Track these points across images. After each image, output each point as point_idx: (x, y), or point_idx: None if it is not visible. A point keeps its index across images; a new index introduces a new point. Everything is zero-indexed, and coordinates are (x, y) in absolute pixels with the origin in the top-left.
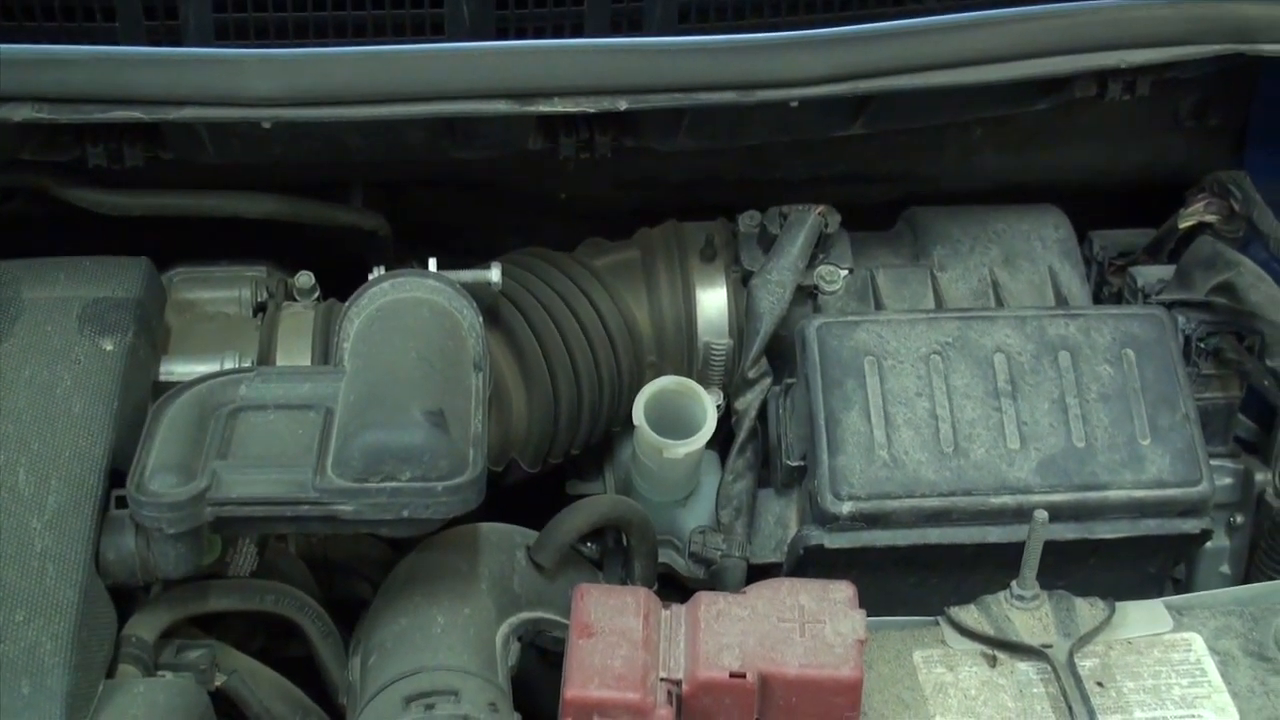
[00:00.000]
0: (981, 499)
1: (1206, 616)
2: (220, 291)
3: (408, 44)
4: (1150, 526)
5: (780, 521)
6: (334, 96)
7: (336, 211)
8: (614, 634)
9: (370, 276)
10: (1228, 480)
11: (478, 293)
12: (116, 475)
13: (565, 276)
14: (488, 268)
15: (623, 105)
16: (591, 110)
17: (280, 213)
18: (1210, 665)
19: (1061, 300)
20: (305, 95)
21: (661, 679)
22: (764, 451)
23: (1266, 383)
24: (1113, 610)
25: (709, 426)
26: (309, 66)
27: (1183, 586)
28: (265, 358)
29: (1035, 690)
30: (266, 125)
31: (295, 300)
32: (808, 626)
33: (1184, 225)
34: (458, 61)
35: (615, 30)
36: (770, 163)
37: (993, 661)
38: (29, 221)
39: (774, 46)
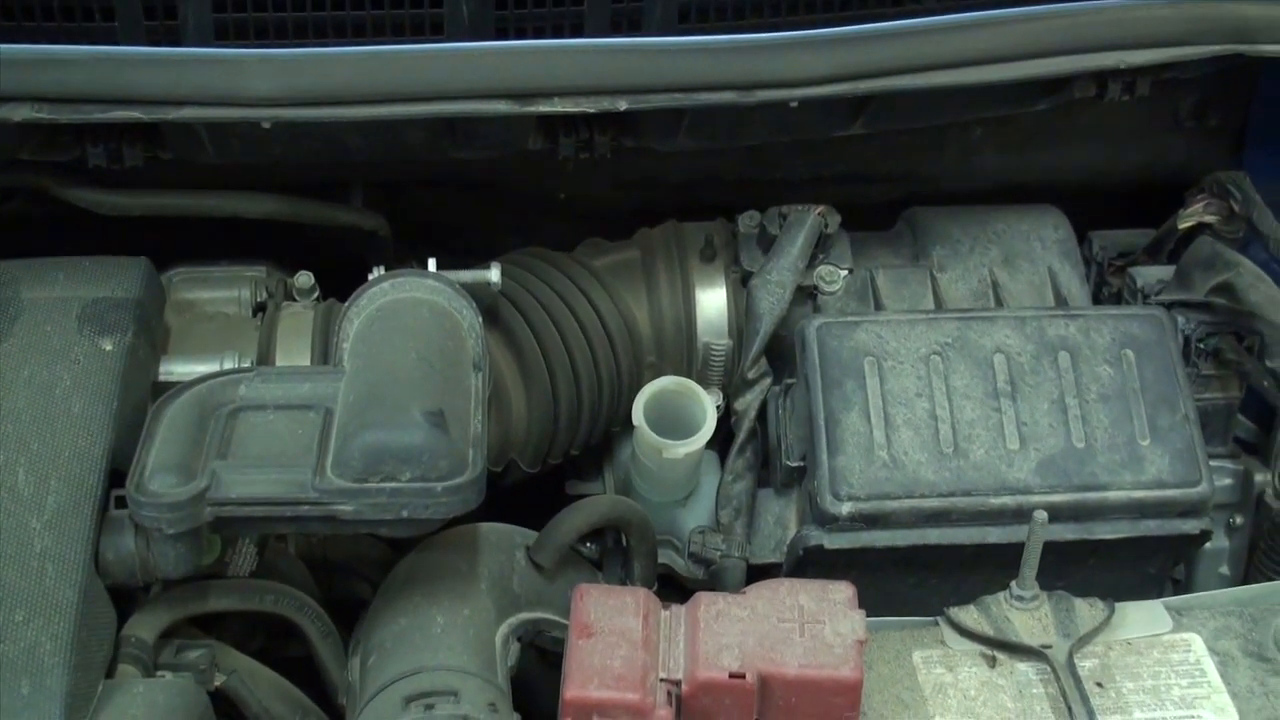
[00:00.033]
0: (981, 499)
1: (1206, 617)
2: (220, 291)
3: (407, 44)
4: (1150, 527)
5: (780, 522)
6: (334, 96)
7: (336, 211)
8: (613, 634)
9: (370, 276)
10: (1227, 481)
11: (477, 293)
12: (116, 475)
13: (565, 277)
14: (487, 268)
15: (622, 105)
16: (591, 110)
17: (280, 213)
18: (1210, 666)
19: (1061, 301)
20: (305, 95)
21: (661, 679)
22: (763, 452)
23: (1266, 383)
24: (1112, 611)
25: (708, 427)
26: (309, 66)
27: (1182, 587)
28: (265, 358)
29: (1035, 691)
30: (266, 125)
31: (295, 300)
32: (807, 627)
33: (1183, 226)
34: (457, 61)
35: (615, 30)
36: (770, 163)
37: (992, 662)
38: (29, 221)
39: (774, 46)
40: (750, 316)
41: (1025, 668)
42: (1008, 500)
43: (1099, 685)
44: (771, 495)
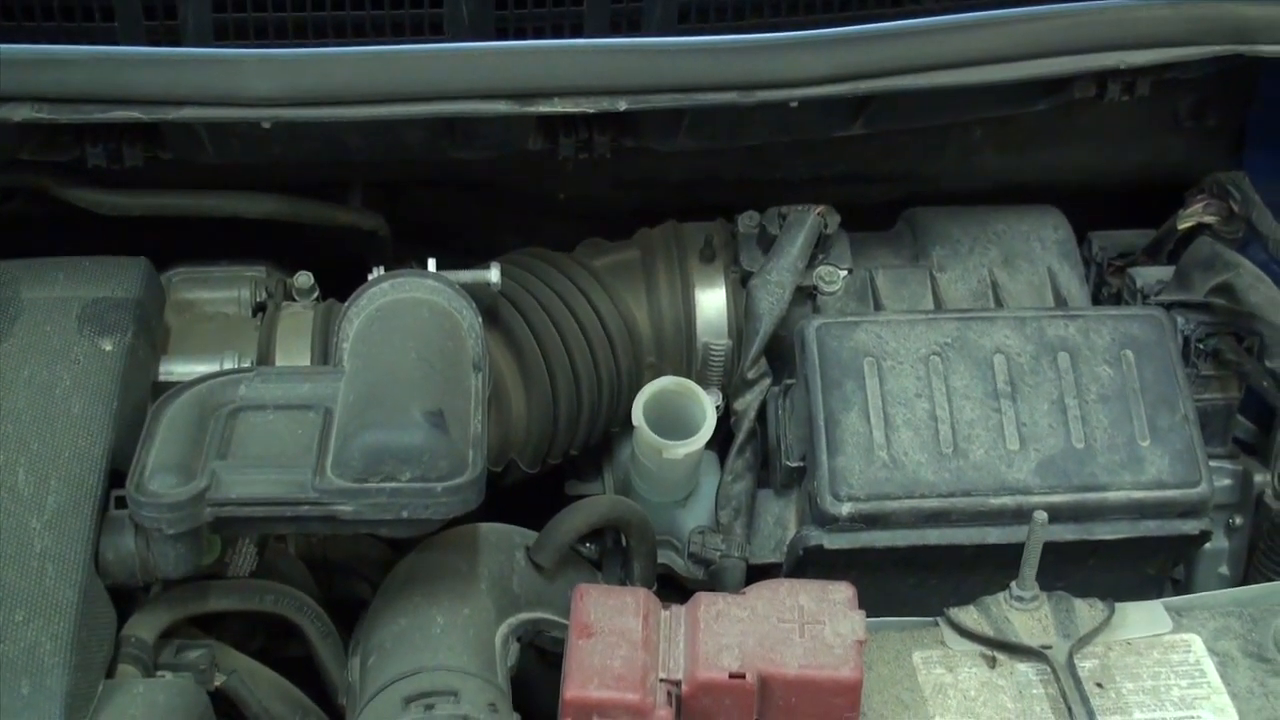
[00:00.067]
0: (981, 500)
1: (1206, 617)
2: (219, 292)
3: (407, 44)
4: (1149, 527)
5: (779, 522)
6: (333, 96)
7: (336, 211)
8: (613, 634)
9: (370, 277)
10: (1227, 481)
11: (477, 293)
12: (116, 475)
13: (564, 277)
14: (487, 268)
15: (622, 105)
16: (591, 110)
17: (280, 213)
18: (1209, 666)
19: (1061, 301)
20: (305, 95)
21: (661, 679)
22: (763, 452)
23: (1265, 384)
24: (1112, 611)
25: (708, 427)
26: (308, 66)
27: (1182, 587)
28: (264, 358)
29: (1035, 691)
30: (266, 125)
31: (294, 300)
32: (807, 627)
33: (1183, 226)
34: (457, 61)
35: (615, 30)
36: (770, 163)
37: (992, 662)
38: (29, 221)
39: (774, 47)
40: (750, 317)
41: (1025, 668)
42: (1007, 501)
43: (1099, 686)
44: (771, 495)
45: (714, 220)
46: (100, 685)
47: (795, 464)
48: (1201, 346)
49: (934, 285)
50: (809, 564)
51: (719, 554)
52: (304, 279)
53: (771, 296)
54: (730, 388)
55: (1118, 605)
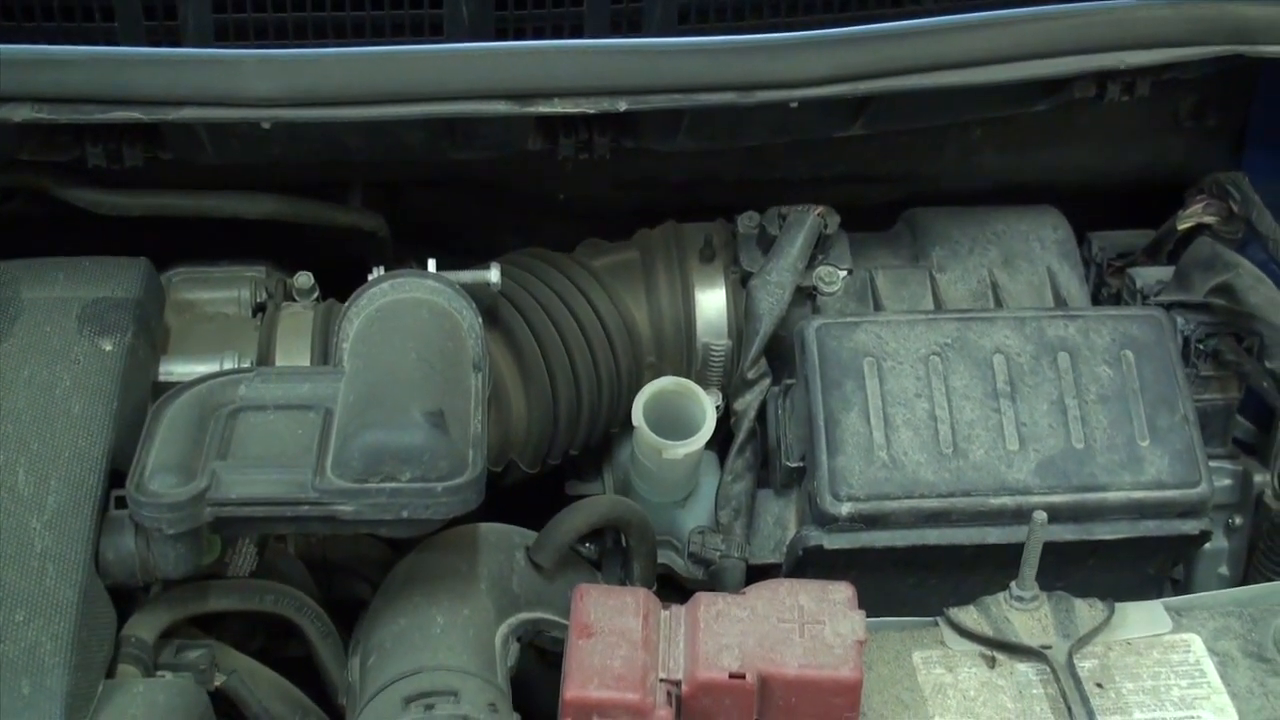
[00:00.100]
0: (981, 500)
1: (1205, 617)
2: (219, 292)
3: (407, 44)
4: (1149, 528)
5: (779, 522)
6: (333, 97)
7: (336, 212)
8: (613, 634)
9: (370, 277)
10: (1226, 481)
11: (477, 293)
12: (116, 475)
13: (564, 277)
14: (487, 268)
15: (622, 106)
16: (591, 111)
17: (280, 213)
18: (1209, 666)
19: (1060, 301)
20: (305, 96)
21: (661, 679)
22: (763, 452)
23: (1265, 384)
24: (1112, 611)
25: (708, 427)
26: (308, 67)
27: (1182, 587)
28: (264, 358)
29: (1034, 691)
30: (266, 126)
31: (294, 300)
32: (807, 627)
33: (1183, 226)
34: (457, 62)
35: (615, 31)
36: (770, 163)
37: (992, 662)
38: (28, 221)
39: (774, 47)
40: (750, 317)
41: (1025, 668)
42: (1007, 501)
43: (1099, 686)
44: (771, 496)
45: (714, 220)
46: (100, 685)
47: (795, 464)
48: (1201, 347)
49: (934, 285)
50: (809, 564)
51: (719, 554)
52: (304, 279)
53: (771, 297)
54: (730, 388)
55: (1117, 605)
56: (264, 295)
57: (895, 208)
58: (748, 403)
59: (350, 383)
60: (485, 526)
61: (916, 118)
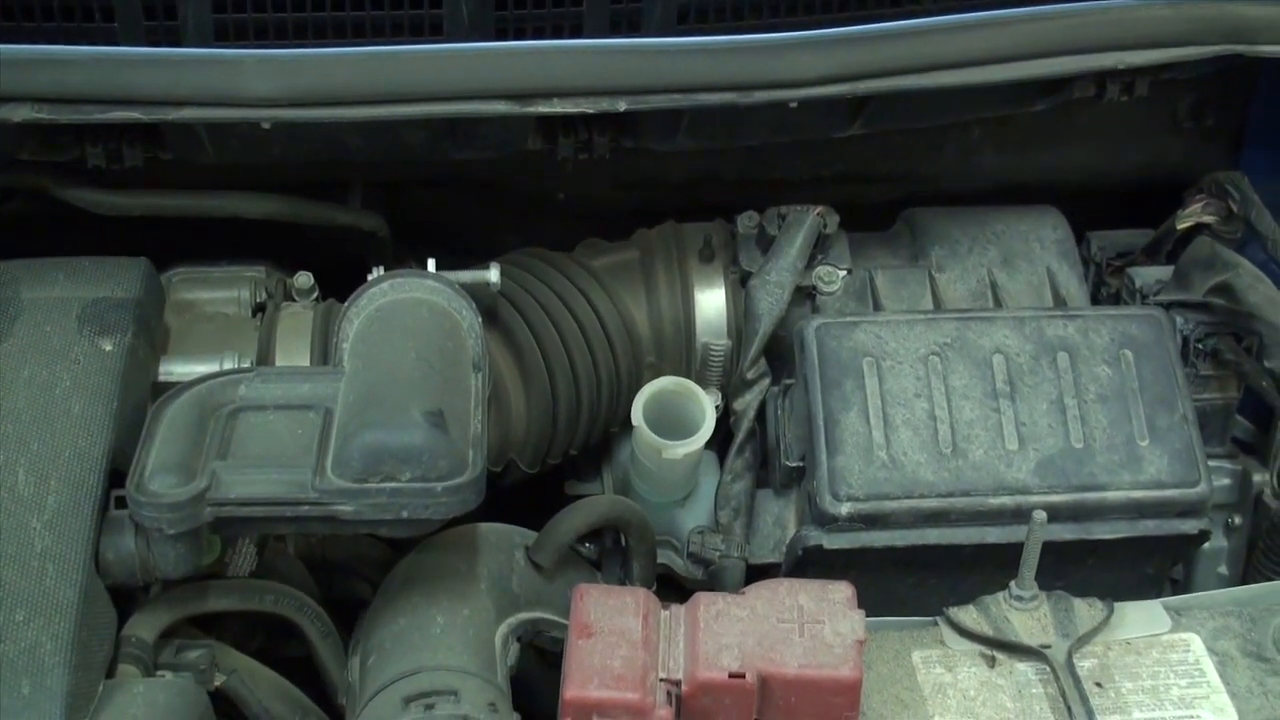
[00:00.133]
0: (980, 500)
1: (1205, 617)
2: (219, 292)
3: (407, 44)
4: (1148, 527)
5: (779, 522)
6: (333, 97)
7: (336, 212)
8: (613, 634)
9: (369, 277)
10: (1226, 481)
11: (476, 293)
12: (116, 475)
13: (564, 277)
14: (486, 268)
15: (622, 106)
16: (590, 111)
17: (279, 213)
18: (1209, 666)
19: (1060, 301)
20: (304, 96)
21: (661, 679)
22: (762, 452)
23: (1264, 384)
24: (1111, 611)
25: (707, 427)
26: (308, 67)
27: (1181, 587)
28: (264, 358)
29: (1034, 691)
30: (266, 126)
31: (294, 300)
32: (807, 627)
33: (1182, 226)
34: (457, 62)
35: (614, 31)
36: (769, 163)
37: (991, 662)
38: (28, 221)
39: (773, 47)
40: (749, 317)
41: (1024, 668)
42: (1006, 500)
43: (1098, 685)
44: (770, 495)
45: (713, 220)
46: (100, 685)
47: (794, 464)
48: (1200, 346)
49: (933, 285)
50: (808, 564)
51: (718, 554)
52: (304, 279)
53: (771, 297)
54: (729, 388)
55: (1117, 605)
56: (264, 295)
57: (894, 207)
58: (747, 402)
59: (350, 382)
60: (485, 526)
61: (915, 118)
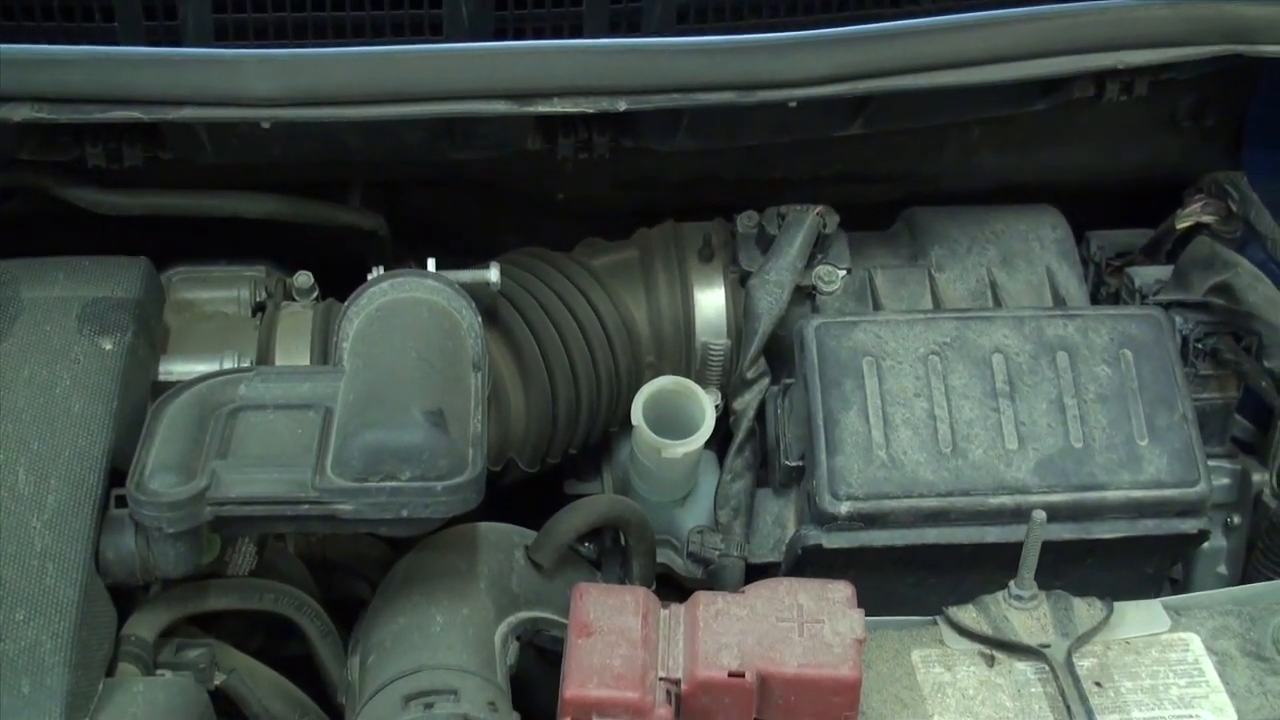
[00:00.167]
0: (979, 499)
1: (1204, 616)
2: (219, 291)
3: (407, 44)
4: (1148, 527)
5: (778, 521)
6: (333, 97)
7: (336, 211)
8: (613, 633)
9: (369, 276)
10: (1225, 481)
11: (476, 293)
12: (116, 474)
13: (563, 276)
14: (486, 268)
15: (622, 106)
16: (590, 110)
17: (279, 213)
18: (1208, 665)
19: (1059, 301)
20: (304, 95)
21: (660, 678)
22: (762, 451)
23: (1264, 383)
24: (1110, 610)
25: (707, 426)
26: (308, 67)
27: (1180, 587)
28: (264, 357)
29: (1033, 690)
30: (266, 125)
31: (294, 300)
32: (806, 626)
33: (1181, 226)
34: (456, 62)
35: (614, 30)
36: (769, 163)
37: (991, 661)
38: (28, 221)
39: (773, 47)
40: (749, 316)
41: (1024, 667)
42: (1006, 500)
43: (1097, 685)
44: (770, 495)
45: (713, 220)
46: (100, 684)
47: (794, 463)
48: (1200, 346)
49: (933, 285)
50: (808, 563)
51: (718, 553)
52: (303, 279)
53: (770, 296)
54: (729, 387)
55: (1116, 604)
56: (263, 295)
57: (894, 207)
58: (747, 402)
59: (350, 382)
60: (484, 526)
61: (915, 117)
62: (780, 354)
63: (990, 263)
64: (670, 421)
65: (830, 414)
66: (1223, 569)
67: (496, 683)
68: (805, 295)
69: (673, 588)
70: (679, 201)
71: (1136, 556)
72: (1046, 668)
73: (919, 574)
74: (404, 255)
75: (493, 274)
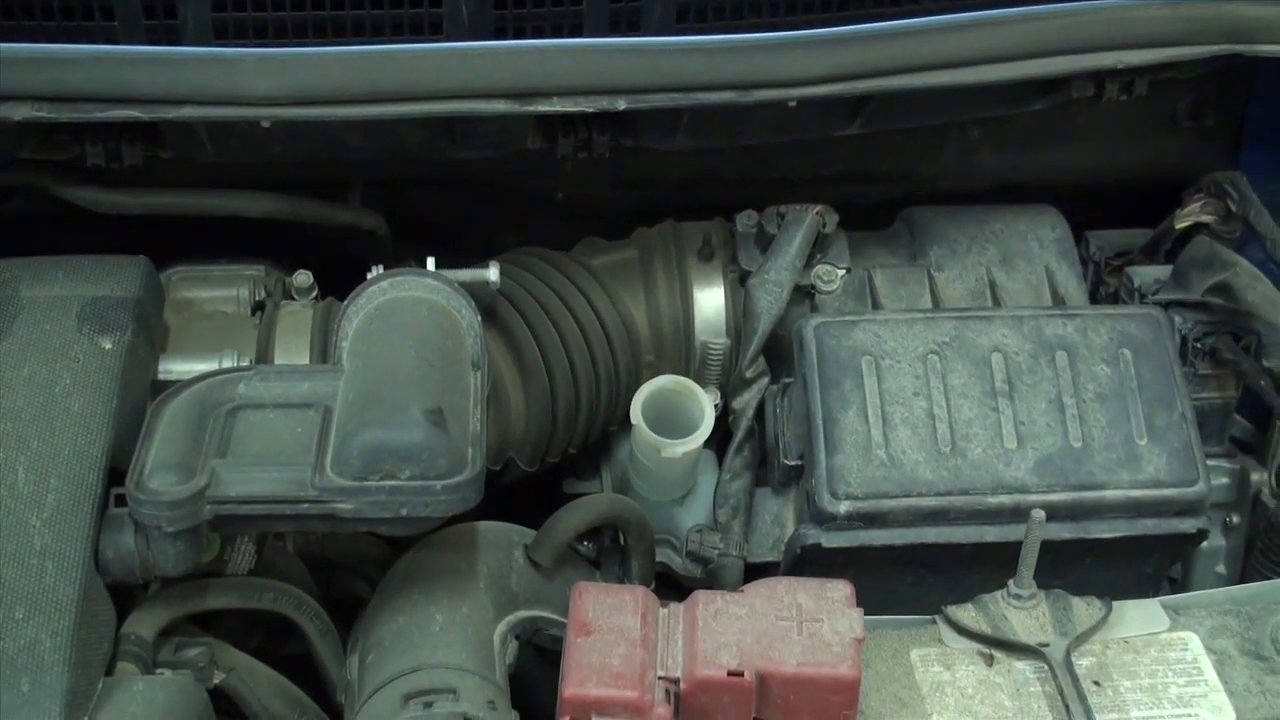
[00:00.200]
0: (979, 498)
1: (1203, 616)
2: (218, 290)
3: (406, 43)
4: (1147, 526)
5: (777, 520)
6: (333, 96)
7: (335, 211)
8: (612, 632)
9: (369, 275)
10: (1224, 480)
11: (476, 292)
12: (116, 473)
13: (563, 276)
14: (486, 267)
15: (621, 105)
16: (590, 110)
17: (279, 212)
18: (1207, 664)
19: (1058, 300)
20: (304, 94)
21: (659, 677)
22: (761, 451)
23: (1263, 383)
24: (1109, 609)
25: (706, 426)
26: (308, 66)
27: (1179, 586)
28: (263, 356)
29: (1032, 689)
30: (265, 124)
31: (293, 299)
32: (805, 625)
33: (1180, 225)
34: (456, 61)
35: (614, 30)
36: (769, 162)
37: (990, 660)
38: (28, 220)
39: (772, 46)
40: (748, 316)
41: (1023, 666)
42: (1005, 499)
43: (1096, 684)
44: (769, 494)
45: (712, 219)
46: (100, 683)
47: (793, 462)
48: (1199, 345)
49: (932, 284)
50: (807, 562)
51: (717, 552)
52: (303, 278)
53: (770, 295)
54: (728, 386)
55: (1115, 603)
56: (263, 294)
57: (894, 207)
58: (746, 401)
59: (349, 381)
60: (484, 525)
61: (915, 117)
62: (779, 353)
63: (989, 262)
64: (669, 421)
65: (829, 413)
66: (1221, 568)
67: (495, 682)
68: (804, 295)
69: (672, 587)
70: (679, 201)
71: (1135, 556)
72: (1045, 667)
73: (918, 573)
74: (403, 254)
75: (492, 273)
